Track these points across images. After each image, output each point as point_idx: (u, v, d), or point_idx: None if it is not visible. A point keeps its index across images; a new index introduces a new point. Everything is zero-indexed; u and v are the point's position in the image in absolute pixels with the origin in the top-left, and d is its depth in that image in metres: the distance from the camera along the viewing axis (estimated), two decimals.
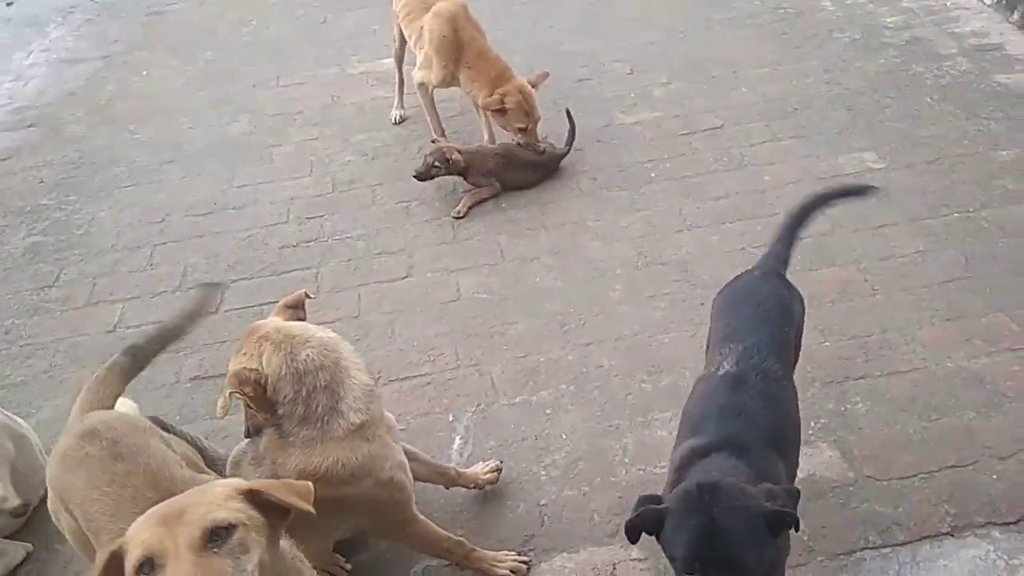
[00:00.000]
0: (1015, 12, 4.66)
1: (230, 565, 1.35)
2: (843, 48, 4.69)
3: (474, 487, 2.57)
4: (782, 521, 1.47)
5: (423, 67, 4.08)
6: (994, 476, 2.41)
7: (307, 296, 2.26)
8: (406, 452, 2.32)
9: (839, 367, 2.80)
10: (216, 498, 1.44)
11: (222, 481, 1.67)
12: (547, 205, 3.90)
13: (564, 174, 4.08)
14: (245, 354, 1.97)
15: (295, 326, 2.05)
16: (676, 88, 4.60)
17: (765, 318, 2.02)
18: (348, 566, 2.39)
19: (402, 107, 4.69)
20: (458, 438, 2.79)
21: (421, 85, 4.14)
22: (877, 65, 4.49)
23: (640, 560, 2.33)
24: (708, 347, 2.19)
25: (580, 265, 3.51)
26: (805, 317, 2.29)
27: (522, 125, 3.92)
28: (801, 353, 2.26)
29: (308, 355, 1.96)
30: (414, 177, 3.88)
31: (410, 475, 2.17)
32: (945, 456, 2.48)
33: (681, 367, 2.94)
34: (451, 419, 2.87)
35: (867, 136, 3.97)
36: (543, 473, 2.64)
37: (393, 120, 4.69)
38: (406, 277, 3.56)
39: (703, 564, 1.43)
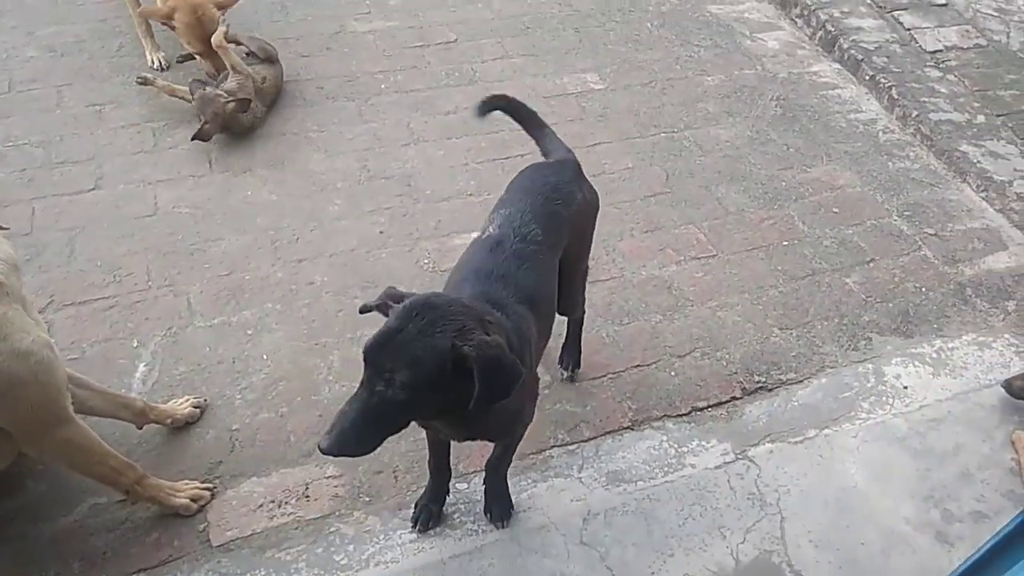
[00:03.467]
0: None
1: None
2: None
3: (171, 423, 2.33)
4: (460, 360, 1.46)
5: None
6: (672, 373, 2.60)
7: None
8: (75, 380, 2.05)
9: None
10: None
11: None
12: (266, 113, 3.60)
13: (287, 82, 3.78)
14: None
15: None
16: None
17: (538, 190, 2.03)
18: None
19: None
20: (142, 365, 2.52)
21: None
22: None
23: (335, 477, 2.25)
24: None
25: (298, 178, 3.28)
26: (597, 217, 2.29)
27: (196, 50, 3.53)
28: None
29: None
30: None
31: (62, 364, 1.88)
32: (632, 357, 2.63)
33: (396, 282, 2.79)
34: (136, 344, 2.57)
35: (591, 57, 4.06)
36: (238, 396, 2.46)
37: None
38: (93, 189, 3.12)
39: (366, 356, 1.48)
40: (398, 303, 1.54)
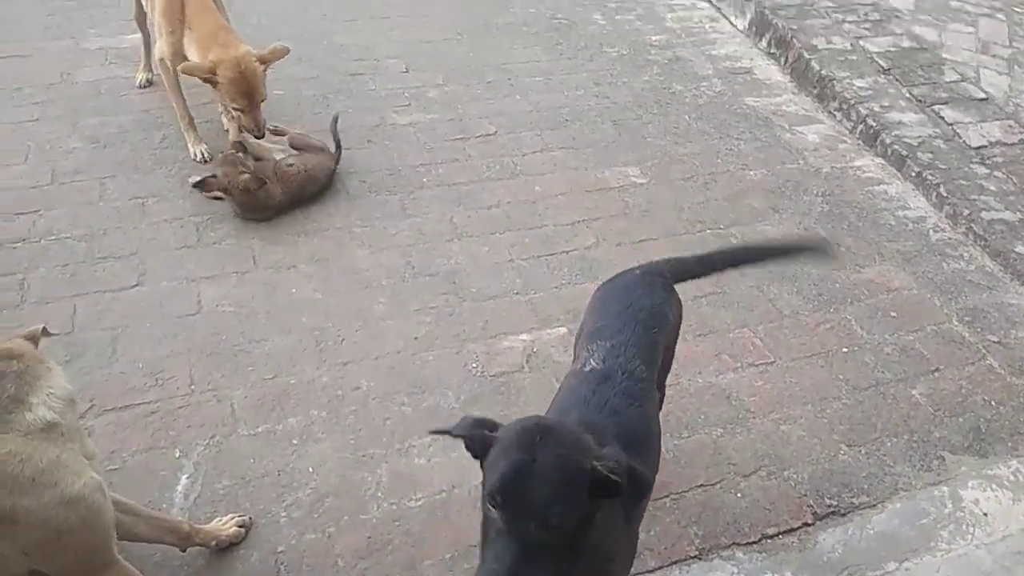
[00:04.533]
0: (764, 39, 5.03)
1: None
2: (612, 62, 4.79)
3: (215, 545, 2.22)
4: (604, 485, 1.34)
5: (158, 39, 3.57)
6: (738, 494, 2.47)
7: (46, 332, 1.89)
8: (121, 505, 1.95)
9: None
10: None
11: None
12: (309, 208, 3.57)
13: None
14: None
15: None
16: (451, 90, 4.45)
17: (635, 317, 1.95)
18: None
19: (149, 70, 4.17)
20: (184, 477, 2.42)
21: (161, 62, 3.62)
22: (642, 82, 4.63)
23: None
24: (576, 341, 2.11)
25: (343, 275, 3.23)
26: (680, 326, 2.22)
27: (238, 106, 3.35)
28: None
29: (8, 347, 1.72)
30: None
31: (111, 506, 1.81)
32: (695, 475, 2.51)
33: (444, 387, 2.77)
34: (178, 455, 2.48)
35: (632, 151, 4.05)
36: (283, 514, 2.34)
37: (139, 84, 4.20)
38: (136, 286, 3.07)
39: (505, 499, 1.32)
40: (493, 431, 1.44)
